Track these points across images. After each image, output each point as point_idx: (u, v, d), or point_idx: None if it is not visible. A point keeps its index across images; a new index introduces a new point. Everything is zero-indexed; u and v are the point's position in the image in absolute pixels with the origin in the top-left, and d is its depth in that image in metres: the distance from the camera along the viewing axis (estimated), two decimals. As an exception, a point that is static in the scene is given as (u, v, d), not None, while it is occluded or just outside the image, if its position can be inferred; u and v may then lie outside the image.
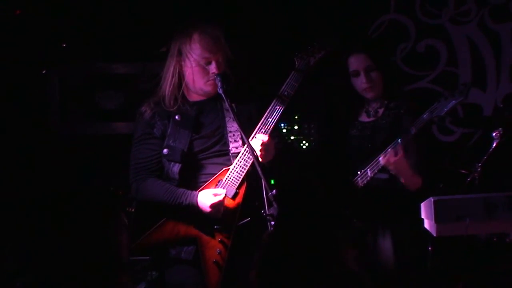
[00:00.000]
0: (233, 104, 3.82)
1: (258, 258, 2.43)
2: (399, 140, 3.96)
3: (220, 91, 3.77)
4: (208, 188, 3.84)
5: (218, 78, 3.80)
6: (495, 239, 4.43)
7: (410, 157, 4.01)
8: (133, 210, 4.92)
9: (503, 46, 5.44)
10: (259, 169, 3.60)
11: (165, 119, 3.90)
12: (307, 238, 2.42)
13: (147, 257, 4.39)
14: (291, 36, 5.39)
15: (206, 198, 3.78)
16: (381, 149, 4.02)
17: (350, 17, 5.48)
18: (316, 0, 5.49)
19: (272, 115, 3.85)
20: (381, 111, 4.22)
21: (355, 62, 4.19)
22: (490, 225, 3.65)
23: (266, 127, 3.84)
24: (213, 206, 3.76)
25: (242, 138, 3.82)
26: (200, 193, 3.80)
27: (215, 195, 3.77)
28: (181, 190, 3.82)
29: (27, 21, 5.25)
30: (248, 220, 3.83)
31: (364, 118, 4.27)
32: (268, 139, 3.81)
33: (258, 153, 3.76)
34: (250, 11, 5.40)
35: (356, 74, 4.18)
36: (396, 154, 3.96)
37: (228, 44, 3.91)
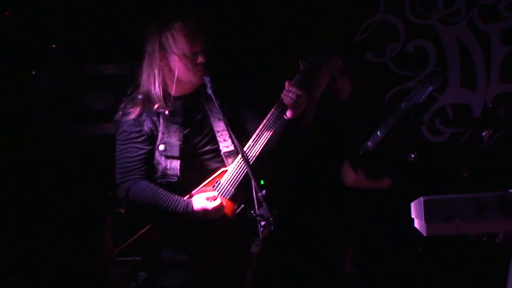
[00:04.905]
0: (224, 104, 3.83)
1: (255, 257, 2.40)
2: (378, 133, 3.95)
3: (210, 91, 3.75)
4: (206, 187, 3.81)
5: (208, 78, 3.78)
6: (484, 239, 4.44)
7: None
8: (122, 211, 4.91)
9: (492, 46, 5.44)
10: (249, 169, 3.59)
11: (154, 116, 3.85)
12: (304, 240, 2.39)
13: (137, 258, 4.38)
14: (280, 36, 5.39)
15: (203, 203, 3.76)
16: (362, 137, 4.01)
17: (339, 18, 5.47)
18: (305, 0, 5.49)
19: (274, 116, 3.83)
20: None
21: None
22: (480, 225, 3.66)
23: (268, 128, 3.82)
24: (214, 209, 3.75)
25: (231, 138, 3.80)
26: (194, 199, 3.77)
27: (210, 199, 3.75)
28: (175, 196, 3.78)
29: (16, 22, 5.24)
30: (243, 207, 3.79)
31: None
32: (301, 91, 3.79)
33: (291, 103, 3.78)
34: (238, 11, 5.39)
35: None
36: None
37: (210, 34, 3.88)
